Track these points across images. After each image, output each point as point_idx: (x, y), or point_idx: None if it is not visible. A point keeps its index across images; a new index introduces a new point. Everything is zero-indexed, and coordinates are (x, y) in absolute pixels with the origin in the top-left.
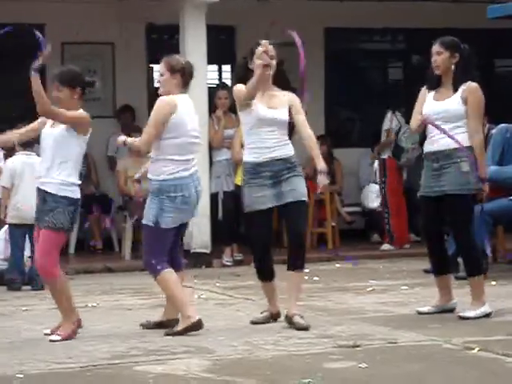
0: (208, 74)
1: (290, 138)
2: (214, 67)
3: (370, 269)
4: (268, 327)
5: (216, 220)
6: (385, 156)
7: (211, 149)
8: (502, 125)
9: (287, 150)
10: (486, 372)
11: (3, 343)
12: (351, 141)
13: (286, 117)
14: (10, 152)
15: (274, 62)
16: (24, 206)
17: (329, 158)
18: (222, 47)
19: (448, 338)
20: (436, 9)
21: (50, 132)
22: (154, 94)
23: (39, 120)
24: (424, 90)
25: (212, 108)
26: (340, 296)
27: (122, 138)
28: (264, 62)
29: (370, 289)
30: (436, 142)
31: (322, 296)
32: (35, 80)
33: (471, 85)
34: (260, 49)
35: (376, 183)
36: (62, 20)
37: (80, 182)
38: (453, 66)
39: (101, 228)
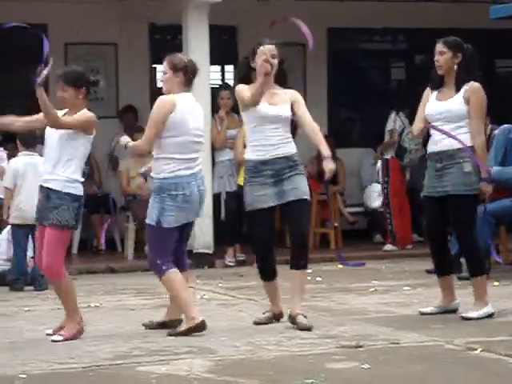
0: (211, 75)
1: (293, 137)
2: (217, 68)
3: (373, 269)
4: (271, 327)
5: (219, 220)
6: (388, 156)
7: (214, 149)
8: (505, 125)
9: (290, 148)
10: (488, 373)
11: (5, 343)
12: (353, 141)
13: (288, 113)
14: (12, 152)
15: (275, 61)
16: (27, 206)
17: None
18: (224, 47)
19: (450, 339)
20: (437, 9)
21: (55, 130)
22: (156, 94)
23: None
24: (427, 90)
25: (215, 108)
26: (343, 296)
27: (125, 139)
28: (265, 69)
29: (373, 289)
30: (439, 143)
31: (324, 296)
32: (40, 94)
33: (473, 85)
34: (262, 48)
35: (378, 183)
36: (65, 20)
37: (83, 180)
38: (455, 66)
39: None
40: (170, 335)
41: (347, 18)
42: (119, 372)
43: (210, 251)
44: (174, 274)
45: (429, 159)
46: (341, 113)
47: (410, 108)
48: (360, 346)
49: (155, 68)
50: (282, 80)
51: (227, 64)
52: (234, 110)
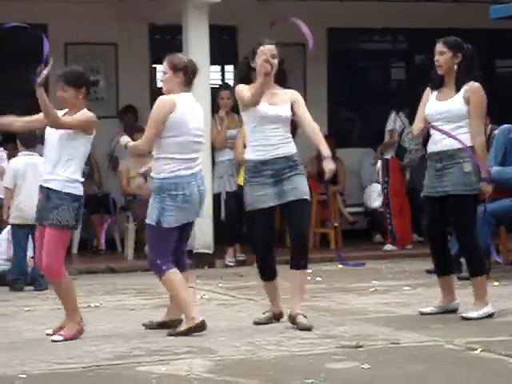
0: (211, 75)
1: (293, 137)
2: (217, 68)
3: (373, 269)
4: (271, 327)
5: (219, 220)
6: (388, 156)
7: (214, 149)
8: (505, 125)
9: (290, 148)
10: (488, 373)
11: (5, 343)
12: (353, 141)
13: (288, 113)
14: (12, 152)
15: (275, 61)
16: (27, 206)
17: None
18: (224, 47)
19: (450, 339)
20: (437, 9)
21: (55, 130)
22: (156, 94)
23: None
24: (427, 90)
25: (215, 108)
26: (342, 296)
27: (125, 139)
28: (265, 69)
29: (373, 289)
30: (439, 143)
31: (324, 296)
32: (40, 94)
33: (473, 85)
34: (262, 48)
35: (378, 183)
36: (64, 20)
37: (83, 180)
38: (455, 66)
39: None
40: (170, 335)
41: (347, 18)
42: (119, 372)
43: (210, 251)
44: (173, 274)
45: (429, 159)
46: (341, 113)
47: (410, 108)
48: (360, 346)
49: (155, 68)
50: (281, 80)
51: (227, 64)
52: (234, 110)
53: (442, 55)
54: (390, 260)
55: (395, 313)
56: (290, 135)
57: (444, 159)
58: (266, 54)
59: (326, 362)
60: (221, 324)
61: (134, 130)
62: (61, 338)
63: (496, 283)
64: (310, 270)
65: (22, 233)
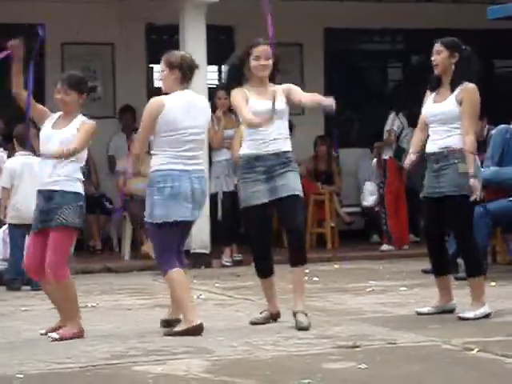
0: (208, 75)
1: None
2: (214, 68)
3: (370, 269)
4: (267, 327)
5: (215, 220)
6: (386, 157)
7: (211, 149)
8: (502, 125)
9: (283, 145)
10: (485, 373)
11: (3, 343)
12: (351, 141)
13: (281, 106)
14: (12, 152)
15: (270, 62)
16: (23, 206)
17: (328, 159)
18: (221, 47)
19: (447, 339)
20: (436, 9)
21: (54, 133)
22: (154, 94)
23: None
24: (427, 93)
25: (212, 108)
26: (339, 296)
27: (128, 171)
28: (265, 124)
29: (370, 289)
30: (436, 143)
31: (321, 296)
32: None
33: (468, 86)
34: (257, 48)
35: (371, 181)
36: (62, 20)
37: (84, 179)
38: (452, 66)
39: (100, 228)
40: (167, 335)
41: (346, 19)
42: (116, 372)
43: (207, 251)
44: (175, 273)
45: (427, 160)
46: (338, 113)
47: (406, 108)
48: (357, 346)
49: (152, 68)
50: (275, 77)
51: (224, 64)
52: (232, 109)
53: (439, 54)
54: (387, 260)
55: (392, 313)
56: (287, 132)
57: (440, 160)
58: (261, 56)
59: (322, 362)
60: (218, 324)
61: (133, 130)
62: (57, 336)
63: (493, 283)
64: (307, 270)
65: (19, 232)
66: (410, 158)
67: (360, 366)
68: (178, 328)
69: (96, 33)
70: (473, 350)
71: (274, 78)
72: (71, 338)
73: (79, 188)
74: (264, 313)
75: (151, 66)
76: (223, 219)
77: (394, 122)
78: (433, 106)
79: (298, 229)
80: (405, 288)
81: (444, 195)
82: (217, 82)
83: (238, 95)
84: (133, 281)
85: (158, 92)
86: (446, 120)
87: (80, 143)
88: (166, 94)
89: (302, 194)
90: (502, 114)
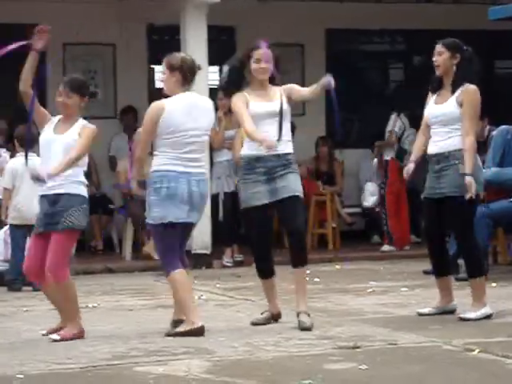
0: (209, 75)
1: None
2: (215, 68)
3: (371, 270)
4: (268, 328)
5: (216, 221)
6: (388, 157)
7: (212, 150)
8: (503, 126)
9: (285, 147)
10: (486, 374)
11: (4, 344)
12: (352, 142)
13: (283, 107)
14: (14, 153)
15: (270, 66)
16: (25, 206)
17: (329, 159)
18: (222, 48)
19: (448, 340)
20: (437, 10)
21: (56, 138)
22: (155, 95)
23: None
24: (429, 95)
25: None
26: (340, 297)
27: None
28: (269, 147)
29: (370, 290)
30: (437, 144)
31: (322, 297)
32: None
33: (468, 87)
34: (258, 51)
35: (372, 182)
36: (63, 20)
37: (87, 183)
38: (454, 67)
39: (101, 228)
40: (168, 335)
41: (346, 19)
42: (117, 372)
43: (208, 252)
44: (178, 274)
45: (428, 161)
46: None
47: (411, 109)
48: (358, 347)
49: (153, 68)
50: (275, 79)
51: (224, 64)
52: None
53: (441, 55)
54: (388, 261)
55: (393, 313)
56: (288, 133)
57: (441, 161)
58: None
59: (323, 363)
60: (219, 324)
61: (134, 130)
62: (58, 337)
63: (494, 284)
64: (308, 271)
65: (20, 233)
66: (409, 167)
67: (361, 367)
68: (179, 329)
69: (96, 33)
70: (474, 350)
71: (274, 80)
72: (72, 339)
73: (84, 191)
74: (265, 313)
75: (152, 66)
76: (224, 220)
77: (395, 123)
78: (434, 107)
79: (298, 230)
80: (406, 289)
81: (445, 196)
82: (218, 83)
83: (238, 101)
84: (134, 281)
85: (159, 93)
86: (446, 121)
87: (81, 149)
88: (167, 96)
89: (302, 196)
90: (502, 114)
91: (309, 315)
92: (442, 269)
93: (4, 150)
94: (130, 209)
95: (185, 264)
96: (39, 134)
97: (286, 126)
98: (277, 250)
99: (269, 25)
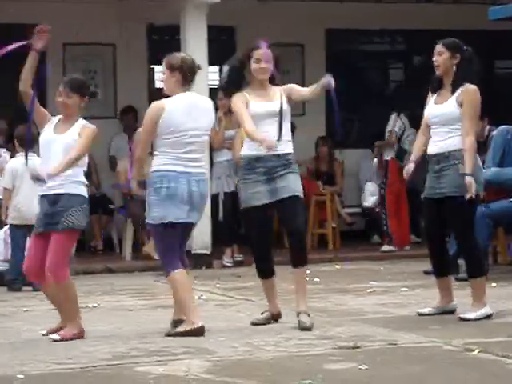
0: (209, 75)
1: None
2: (215, 68)
3: (371, 270)
4: (269, 328)
5: (216, 221)
6: (388, 157)
7: (212, 150)
8: (503, 126)
9: (285, 147)
10: (486, 374)
11: (4, 344)
12: (352, 142)
13: (284, 107)
14: (14, 153)
15: (270, 66)
16: (25, 206)
17: (329, 159)
18: (222, 48)
19: (448, 340)
20: (437, 10)
21: (56, 138)
22: (155, 95)
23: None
24: (429, 95)
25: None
26: (340, 297)
27: (134, 185)
28: (273, 145)
29: (371, 290)
30: (437, 144)
31: (322, 297)
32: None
33: (468, 87)
34: (258, 51)
35: (372, 182)
36: (63, 20)
37: (87, 183)
38: (454, 67)
39: (101, 228)
40: (168, 335)
41: (347, 19)
42: (117, 372)
43: (208, 252)
44: (178, 274)
45: (429, 161)
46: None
47: (411, 109)
48: (358, 347)
49: (153, 68)
50: (275, 79)
51: (225, 64)
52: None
53: (441, 55)
54: (388, 261)
55: (393, 314)
56: (289, 133)
57: (441, 161)
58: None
59: (323, 363)
60: (219, 325)
61: (134, 130)
62: (58, 337)
63: (494, 284)
64: (308, 271)
65: (20, 233)
66: (409, 168)
67: (361, 367)
68: (179, 329)
69: (96, 33)
70: (474, 350)
71: (274, 80)
72: (72, 339)
73: (84, 191)
74: (265, 313)
75: (152, 66)
76: (224, 220)
77: (395, 123)
78: (434, 107)
79: (298, 230)
80: (406, 289)
81: (445, 196)
82: (218, 83)
83: (238, 101)
84: (134, 281)
85: (159, 93)
86: (446, 121)
87: (81, 149)
88: (167, 96)
89: (302, 196)
90: (502, 114)
91: (309, 315)
92: (442, 269)
93: (4, 150)
94: (129, 209)
95: (185, 264)
96: (39, 133)
97: (286, 126)
98: (277, 250)
99: (269, 25)
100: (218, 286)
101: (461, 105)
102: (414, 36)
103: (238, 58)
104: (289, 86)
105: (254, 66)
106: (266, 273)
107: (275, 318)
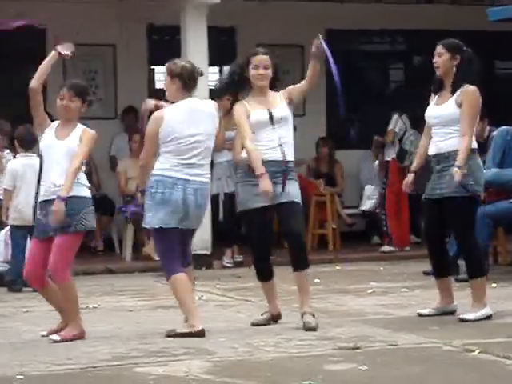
0: (209, 76)
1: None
2: (215, 69)
3: (371, 271)
4: (268, 329)
5: (217, 221)
6: (388, 158)
7: (212, 151)
8: (503, 127)
9: (287, 154)
10: (486, 374)
11: (4, 344)
12: (352, 142)
13: (284, 113)
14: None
15: (269, 72)
16: (25, 207)
17: (330, 160)
18: (223, 48)
19: (448, 340)
20: (437, 11)
21: (58, 143)
22: (155, 96)
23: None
24: (432, 95)
25: None
26: (340, 298)
27: (151, 102)
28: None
29: (371, 291)
30: (437, 145)
31: (322, 298)
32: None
33: (468, 88)
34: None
35: (372, 184)
36: (63, 20)
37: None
38: (454, 68)
39: (101, 229)
40: (169, 336)
41: (347, 20)
42: (117, 373)
43: (208, 252)
44: (178, 277)
45: (431, 162)
46: (339, 114)
47: (412, 110)
48: (358, 348)
49: (153, 69)
50: (274, 85)
51: (226, 65)
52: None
53: (440, 57)
54: (388, 261)
55: (393, 314)
56: (290, 139)
57: (441, 161)
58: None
59: (323, 364)
60: (219, 325)
61: (135, 131)
62: (59, 338)
63: (494, 285)
64: (309, 270)
65: (21, 234)
66: (408, 179)
67: (361, 368)
68: (179, 330)
69: (96, 33)
70: (474, 351)
71: (274, 85)
72: (72, 340)
73: (88, 192)
74: (265, 314)
75: (152, 67)
76: (224, 220)
77: (396, 124)
78: (434, 108)
79: (297, 235)
80: (406, 289)
81: (445, 196)
82: (217, 83)
83: (239, 110)
84: (134, 282)
85: (160, 93)
86: (446, 122)
87: (84, 156)
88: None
89: (301, 203)
90: (502, 115)
91: (314, 316)
92: (442, 270)
93: (7, 151)
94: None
95: (189, 263)
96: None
97: (288, 132)
98: (277, 250)
99: (269, 25)
100: (218, 286)
101: (460, 105)
102: (414, 36)
103: (238, 64)
104: (287, 89)
105: (252, 72)
106: (265, 274)
107: (275, 318)
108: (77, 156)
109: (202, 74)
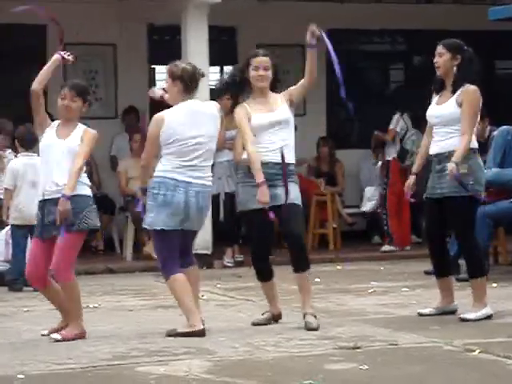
0: (210, 76)
1: None
2: (216, 68)
3: (371, 270)
4: (269, 328)
5: (217, 221)
6: (389, 158)
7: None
8: (504, 127)
9: (288, 156)
10: (486, 374)
11: (4, 344)
12: (352, 142)
13: (285, 115)
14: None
15: (269, 74)
16: (26, 207)
17: (330, 160)
18: (223, 48)
19: (449, 340)
20: (437, 10)
21: (59, 143)
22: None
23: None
24: (433, 95)
25: None
26: (341, 297)
27: (159, 92)
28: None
29: (371, 290)
30: (438, 144)
31: (323, 297)
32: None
33: (469, 88)
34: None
35: (372, 185)
36: (63, 20)
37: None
38: (454, 68)
39: (102, 229)
40: (169, 336)
41: (347, 20)
42: (118, 372)
43: (209, 252)
44: (177, 278)
45: (432, 161)
46: (340, 114)
47: (414, 110)
48: (358, 347)
49: (154, 69)
50: (275, 86)
51: (226, 65)
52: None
53: (441, 57)
54: (389, 261)
55: (394, 314)
56: (291, 142)
57: (442, 161)
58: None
59: (324, 363)
60: (219, 325)
61: (136, 131)
62: (60, 337)
63: (494, 285)
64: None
65: (22, 233)
66: (409, 182)
67: (361, 367)
68: (180, 329)
69: (96, 33)
70: (474, 351)
71: (274, 87)
72: (73, 339)
73: (89, 191)
74: (266, 314)
75: (153, 66)
76: (225, 220)
77: (397, 123)
78: (435, 107)
79: (297, 236)
80: (407, 289)
81: (445, 196)
82: (217, 83)
83: (240, 113)
84: (135, 282)
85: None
86: (446, 122)
87: (85, 156)
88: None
89: (301, 205)
90: (503, 115)
91: (315, 316)
92: (442, 269)
93: (9, 150)
94: (130, 209)
95: (192, 263)
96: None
97: (289, 135)
98: (277, 250)
99: (269, 25)
100: (218, 286)
101: (461, 105)
102: (414, 36)
103: (239, 67)
104: (287, 90)
105: (252, 73)
106: (264, 275)
107: (276, 318)
108: (79, 156)
109: (203, 76)
